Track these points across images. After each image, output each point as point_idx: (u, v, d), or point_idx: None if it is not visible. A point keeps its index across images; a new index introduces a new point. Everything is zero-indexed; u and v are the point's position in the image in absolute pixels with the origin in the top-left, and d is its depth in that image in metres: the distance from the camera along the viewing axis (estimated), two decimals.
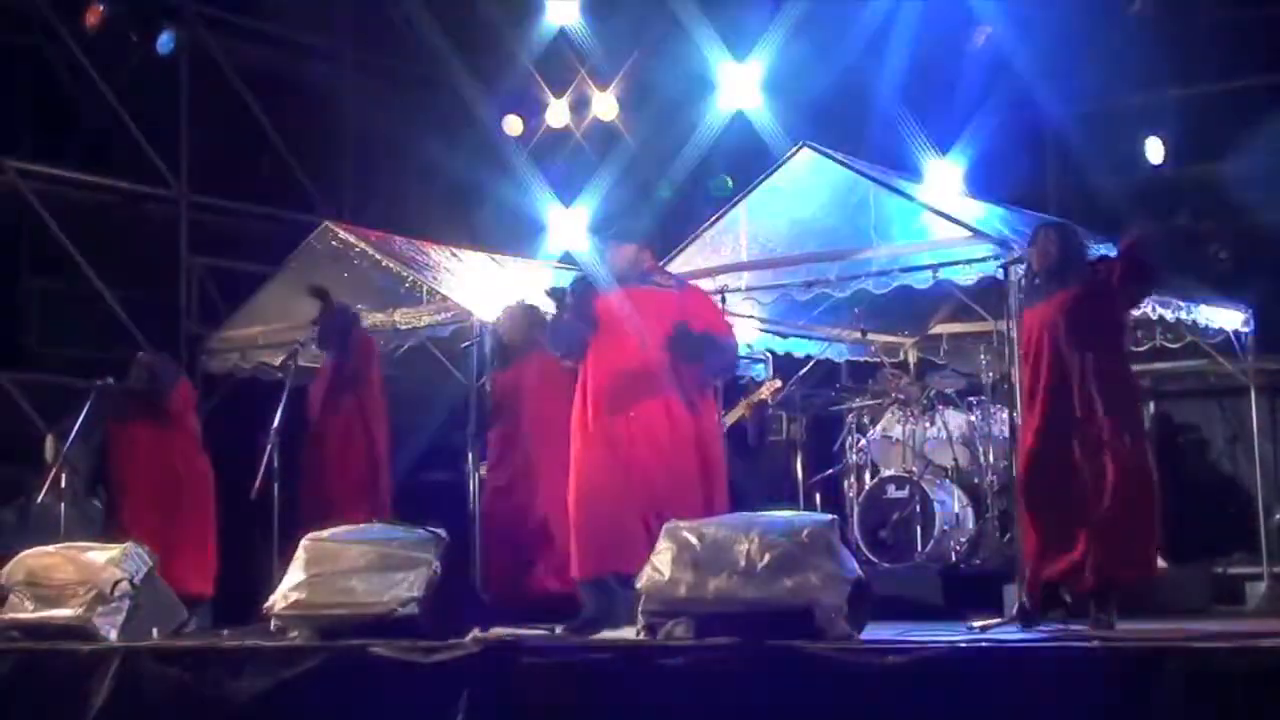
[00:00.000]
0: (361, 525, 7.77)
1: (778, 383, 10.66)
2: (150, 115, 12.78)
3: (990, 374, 10.47)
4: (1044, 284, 7.57)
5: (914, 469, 10.28)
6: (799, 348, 11.40)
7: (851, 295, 9.97)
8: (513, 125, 13.71)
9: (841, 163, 9.95)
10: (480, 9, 13.51)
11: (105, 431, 9.98)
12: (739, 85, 12.24)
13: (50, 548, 8.43)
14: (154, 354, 10.39)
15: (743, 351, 11.24)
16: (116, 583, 7.82)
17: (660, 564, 6.44)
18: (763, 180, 10.19)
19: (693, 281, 9.04)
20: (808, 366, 11.29)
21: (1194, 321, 10.00)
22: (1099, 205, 12.01)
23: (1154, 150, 12.22)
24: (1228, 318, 10.30)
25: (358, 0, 14.27)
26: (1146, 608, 7.91)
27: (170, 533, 9.39)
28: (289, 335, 10.34)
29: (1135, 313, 9.41)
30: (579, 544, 7.73)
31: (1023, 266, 7.68)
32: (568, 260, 11.68)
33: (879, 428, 10.80)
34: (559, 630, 7.55)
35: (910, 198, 9.79)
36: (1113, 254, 7.77)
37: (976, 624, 7.04)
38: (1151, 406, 11.87)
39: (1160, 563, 10.74)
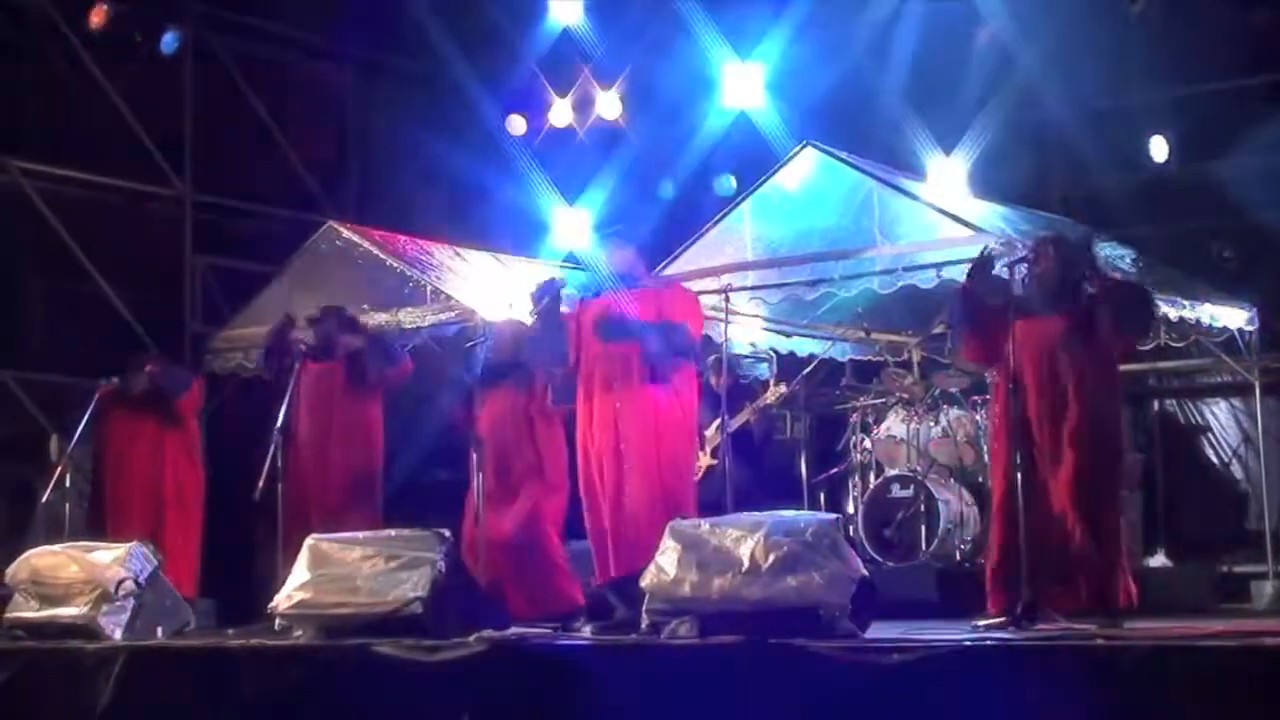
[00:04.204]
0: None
1: (783, 387, 10.65)
2: (154, 115, 12.77)
3: (994, 373, 10.46)
4: (1041, 300, 7.48)
5: (918, 468, 10.28)
6: (803, 347, 11.41)
7: (856, 294, 9.98)
8: (516, 124, 13.70)
9: (845, 162, 9.96)
10: (484, 9, 13.50)
11: (99, 433, 9.97)
12: (743, 84, 12.23)
13: (55, 547, 8.45)
14: (159, 361, 10.38)
15: (747, 351, 11.27)
16: (121, 582, 7.84)
17: (665, 563, 6.45)
18: (766, 179, 10.21)
19: (692, 281, 9.07)
20: (812, 366, 11.29)
21: (1198, 320, 9.99)
22: (1103, 204, 12.01)
23: (1158, 149, 12.21)
24: (1232, 316, 10.29)
25: (362, 0, 14.26)
26: (1151, 607, 7.90)
27: (154, 535, 9.37)
28: (293, 335, 10.33)
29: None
30: (597, 552, 7.80)
31: (1025, 266, 7.64)
32: (572, 260, 11.68)
33: (883, 427, 10.79)
34: (588, 630, 7.57)
35: (914, 197, 9.80)
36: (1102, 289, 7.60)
37: (981, 623, 7.03)
38: (1156, 405, 11.89)
39: (1163, 561, 10.79)
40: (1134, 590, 7.28)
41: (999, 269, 7.52)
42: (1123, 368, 10.65)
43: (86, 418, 9.68)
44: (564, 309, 8.14)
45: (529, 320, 8.32)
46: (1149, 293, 7.81)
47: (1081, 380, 7.29)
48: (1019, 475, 7.16)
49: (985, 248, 7.88)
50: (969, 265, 7.73)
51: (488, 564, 8.30)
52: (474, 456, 8.47)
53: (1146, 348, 10.23)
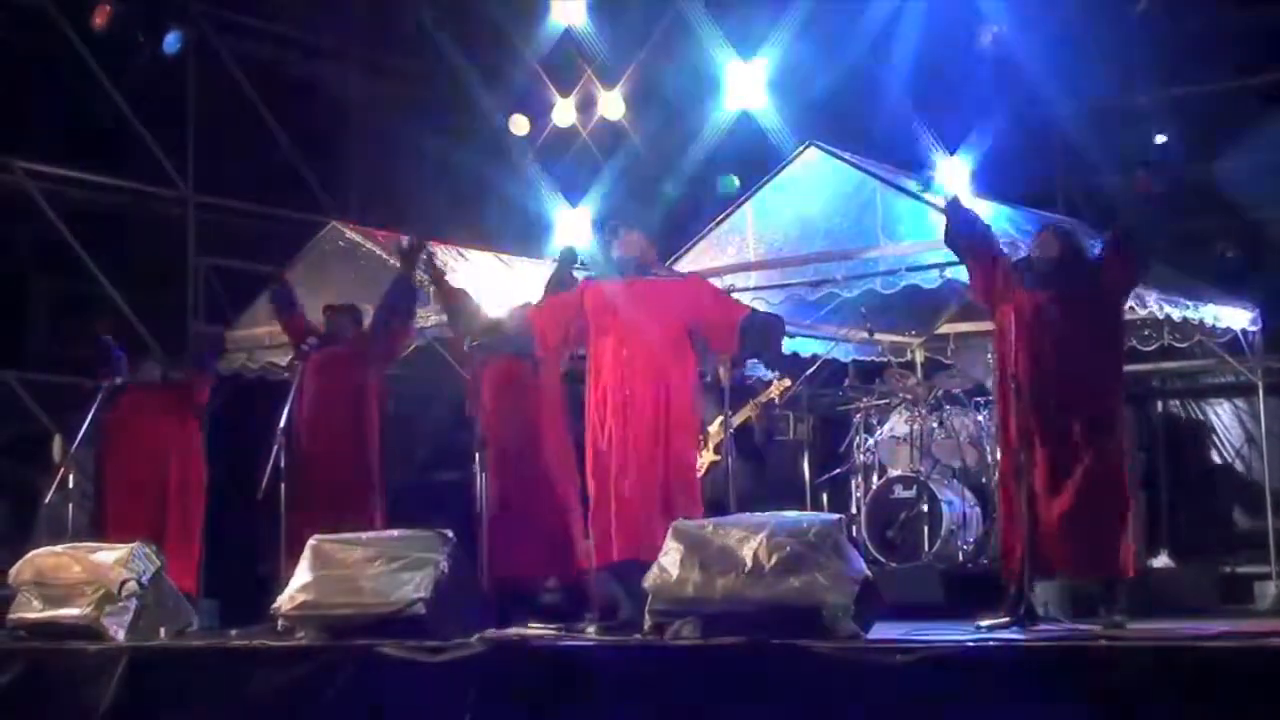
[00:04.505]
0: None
1: (786, 382, 10.64)
2: (157, 115, 12.79)
3: (993, 370, 10.45)
4: (1039, 275, 7.56)
5: (921, 469, 10.26)
6: (806, 347, 11.39)
7: (859, 295, 9.97)
8: (519, 125, 13.70)
9: (849, 162, 9.95)
10: (487, 9, 13.51)
11: (102, 431, 9.97)
12: (745, 84, 12.23)
13: (58, 548, 8.46)
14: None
15: None
16: (124, 583, 7.85)
17: (668, 563, 6.45)
18: (769, 179, 10.20)
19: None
20: (815, 366, 11.28)
21: (1201, 320, 9.98)
22: (1106, 203, 11.99)
23: (1162, 149, 12.19)
24: (1235, 317, 10.28)
25: (365, 0, 14.28)
26: (1154, 607, 7.90)
27: (155, 532, 9.35)
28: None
29: (1141, 311, 9.40)
30: (598, 534, 7.79)
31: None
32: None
33: (886, 428, 10.79)
34: (592, 630, 7.57)
35: (918, 197, 9.78)
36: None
37: (984, 623, 7.03)
38: (1159, 405, 11.87)
39: (1166, 561, 10.77)
40: (1132, 558, 7.36)
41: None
42: (1126, 368, 10.71)
43: (93, 412, 9.66)
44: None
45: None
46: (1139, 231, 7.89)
47: (1083, 371, 7.36)
48: (1023, 473, 7.20)
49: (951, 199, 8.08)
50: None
51: (494, 530, 8.25)
52: (477, 456, 8.47)
53: (1149, 349, 10.24)
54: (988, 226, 8.11)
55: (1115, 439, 7.48)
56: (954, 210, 8.01)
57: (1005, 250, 8.13)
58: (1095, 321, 7.53)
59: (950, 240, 8.07)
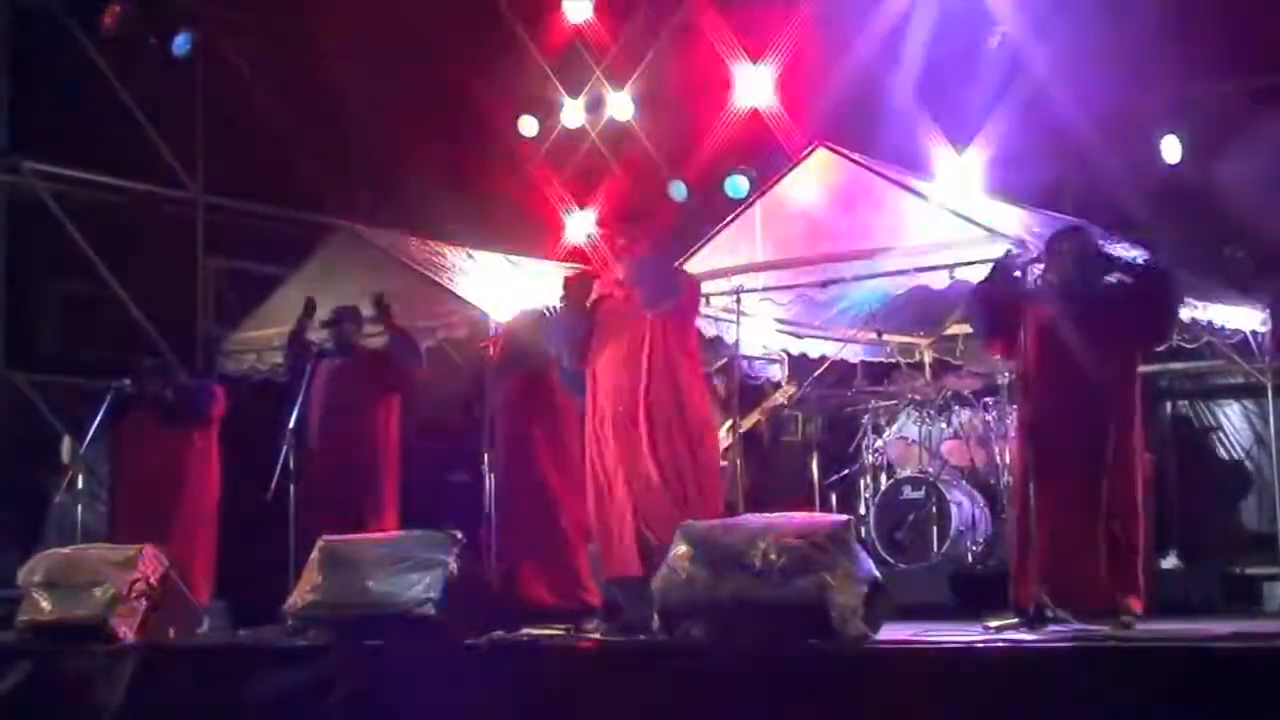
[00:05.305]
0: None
1: (793, 388, 10.64)
2: (167, 117, 12.80)
3: (1006, 374, 10.45)
4: (1056, 289, 7.50)
5: (930, 470, 10.27)
6: (815, 348, 11.39)
7: (867, 295, 9.97)
8: (528, 125, 13.71)
9: (857, 162, 9.95)
10: (496, 9, 13.51)
11: (115, 436, 9.97)
12: (754, 85, 12.24)
13: (67, 548, 8.48)
14: (188, 376, 10.37)
15: (759, 352, 11.27)
16: (133, 583, 7.86)
17: (677, 564, 6.45)
18: (779, 180, 10.20)
19: (704, 283, 9.05)
20: (823, 367, 11.29)
21: (1210, 321, 9.96)
22: (1115, 205, 11.98)
23: (1171, 149, 12.18)
24: (1245, 318, 10.26)
25: (373, 1, 14.28)
26: (1162, 608, 7.89)
27: (166, 532, 9.36)
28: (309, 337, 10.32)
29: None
30: (606, 547, 7.75)
31: (1040, 266, 7.64)
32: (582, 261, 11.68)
33: (895, 428, 10.80)
34: (600, 631, 7.56)
35: (926, 198, 9.79)
36: (1129, 279, 7.62)
37: (992, 624, 7.03)
38: (1168, 406, 11.86)
39: (1174, 562, 10.77)
40: (1141, 593, 7.27)
41: (1016, 273, 7.55)
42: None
43: (99, 419, 9.68)
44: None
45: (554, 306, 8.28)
46: (1176, 289, 7.82)
47: (1097, 377, 7.31)
48: (1034, 475, 7.18)
49: (1006, 251, 7.92)
50: (989, 269, 7.78)
51: (502, 551, 8.25)
52: (486, 457, 8.48)
53: (1158, 349, 10.22)
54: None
55: (1132, 469, 7.36)
56: (1004, 280, 7.67)
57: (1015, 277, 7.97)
58: (1113, 344, 7.42)
59: (985, 305, 7.78)
